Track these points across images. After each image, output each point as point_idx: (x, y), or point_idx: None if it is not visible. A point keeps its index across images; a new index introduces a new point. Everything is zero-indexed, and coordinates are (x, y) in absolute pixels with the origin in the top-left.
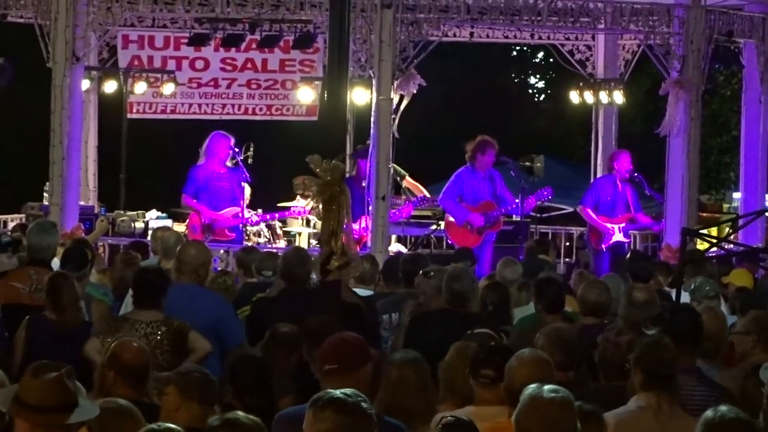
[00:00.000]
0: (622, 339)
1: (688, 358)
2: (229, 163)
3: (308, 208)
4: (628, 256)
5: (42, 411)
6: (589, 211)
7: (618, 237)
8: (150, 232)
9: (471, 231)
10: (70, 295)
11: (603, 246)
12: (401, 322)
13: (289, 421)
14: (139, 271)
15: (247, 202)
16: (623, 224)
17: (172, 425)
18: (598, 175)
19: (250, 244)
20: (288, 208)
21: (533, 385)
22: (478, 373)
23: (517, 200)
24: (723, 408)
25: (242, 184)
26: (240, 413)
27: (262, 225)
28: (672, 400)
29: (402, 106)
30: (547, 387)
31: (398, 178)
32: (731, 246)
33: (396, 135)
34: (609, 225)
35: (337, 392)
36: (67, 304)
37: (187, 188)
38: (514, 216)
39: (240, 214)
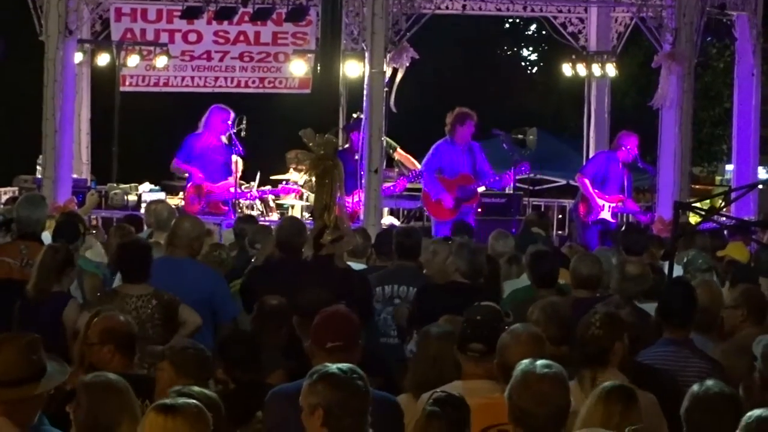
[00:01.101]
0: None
1: (682, 331)
2: (224, 139)
3: (301, 182)
4: (623, 229)
5: (7, 385)
6: (587, 181)
7: (605, 215)
8: (143, 205)
9: (447, 204)
10: (40, 265)
11: (590, 219)
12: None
13: (284, 398)
14: (122, 245)
15: (239, 174)
16: (614, 204)
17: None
18: (591, 147)
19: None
20: (281, 182)
21: (526, 361)
22: (466, 347)
23: (496, 176)
24: (709, 382)
25: (234, 158)
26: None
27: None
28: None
29: (397, 79)
30: (539, 362)
31: (390, 151)
32: (723, 219)
33: (393, 109)
34: (601, 201)
35: (333, 367)
36: (36, 274)
37: (180, 154)
38: (494, 189)
39: (235, 189)
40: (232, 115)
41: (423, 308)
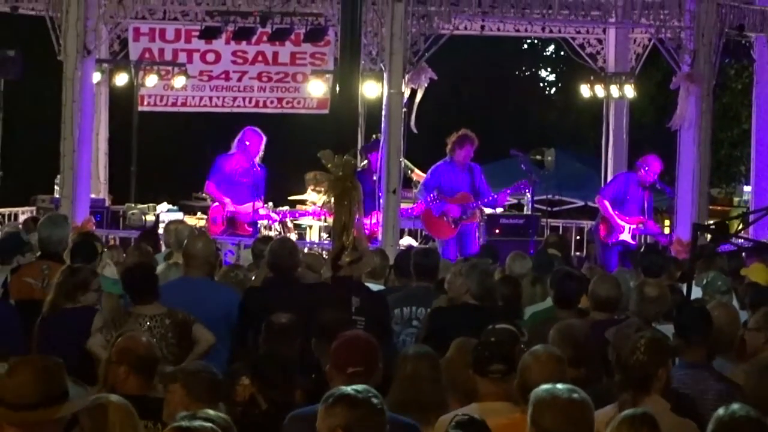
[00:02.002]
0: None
1: (699, 353)
2: (257, 160)
3: (320, 203)
4: (641, 250)
5: (22, 408)
6: (607, 203)
7: (626, 236)
8: (161, 225)
9: (447, 222)
10: (58, 285)
11: (610, 241)
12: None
13: (301, 421)
14: (126, 270)
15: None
16: (635, 225)
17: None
18: (609, 168)
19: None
20: (302, 202)
21: (548, 386)
22: (487, 369)
23: (492, 195)
24: (735, 406)
25: (264, 182)
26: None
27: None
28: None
29: (417, 100)
30: (564, 387)
31: (408, 171)
32: (741, 241)
33: (414, 129)
34: (621, 222)
35: (348, 389)
36: (53, 294)
37: (212, 176)
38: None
39: (260, 210)
40: (264, 139)
41: (434, 330)
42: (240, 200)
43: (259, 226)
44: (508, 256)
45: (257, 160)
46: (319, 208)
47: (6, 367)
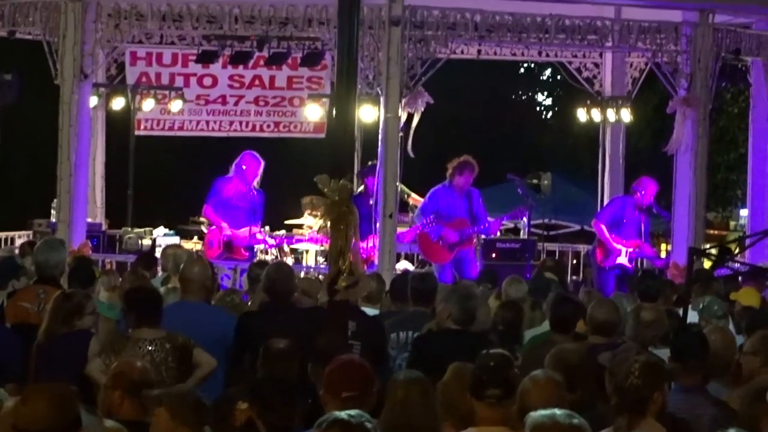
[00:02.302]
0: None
1: (694, 377)
2: (255, 184)
3: (316, 227)
4: (638, 274)
5: None
6: (603, 227)
7: (622, 260)
8: (158, 249)
9: (443, 246)
10: (52, 310)
11: (607, 265)
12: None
13: None
14: (133, 290)
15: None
16: (632, 249)
17: None
18: (606, 192)
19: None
20: (299, 227)
21: (546, 411)
22: (484, 393)
23: (488, 222)
24: (731, 431)
25: (263, 207)
26: None
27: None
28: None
29: (413, 124)
30: (562, 412)
31: (405, 196)
32: (737, 265)
33: (411, 154)
34: (618, 246)
35: (342, 413)
36: (47, 319)
37: (210, 199)
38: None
39: (256, 234)
40: (263, 164)
41: (419, 356)
42: (237, 224)
43: (255, 250)
44: (504, 280)
45: (255, 184)
46: (316, 234)
47: (25, 393)
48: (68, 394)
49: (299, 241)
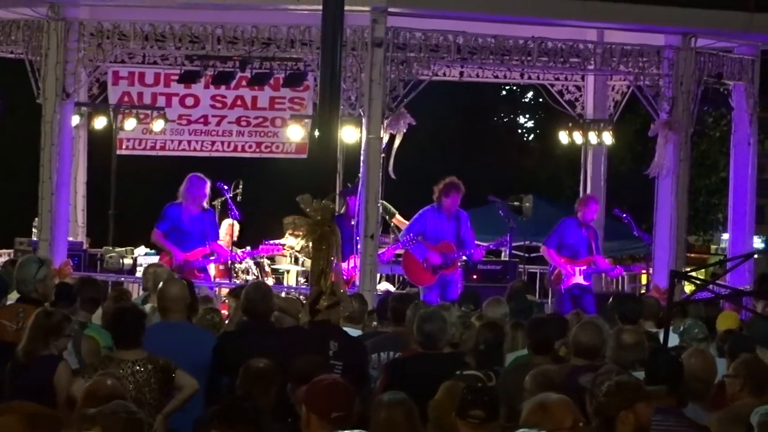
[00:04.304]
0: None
1: (668, 399)
2: (205, 205)
3: (298, 247)
4: (613, 297)
5: None
6: (552, 251)
7: (578, 279)
8: (139, 269)
9: (427, 269)
10: (31, 329)
11: (563, 287)
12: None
13: None
14: (117, 310)
15: (235, 239)
16: (584, 266)
17: None
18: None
19: (238, 282)
20: (264, 244)
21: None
22: (467, 414)
23: (474, 248)
24: None
25: (215, 225)
26: None
27: (251, 262)
28: None
29: (395, 145)
30: None
31: (387, 217)
32: (718, 288)
33: (392, 175)
34: (570, 266)
35: None
36: (26, 338)
37: (161, 225)
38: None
39: (210, 254)
40: (208, 183)
41: (392, 381)
42: (188, 248)
43: (237, 269)
44: (485, 302)
45: (205, 204)
46: (295, 252)
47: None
48: (43, 413)
49: (257, 253)
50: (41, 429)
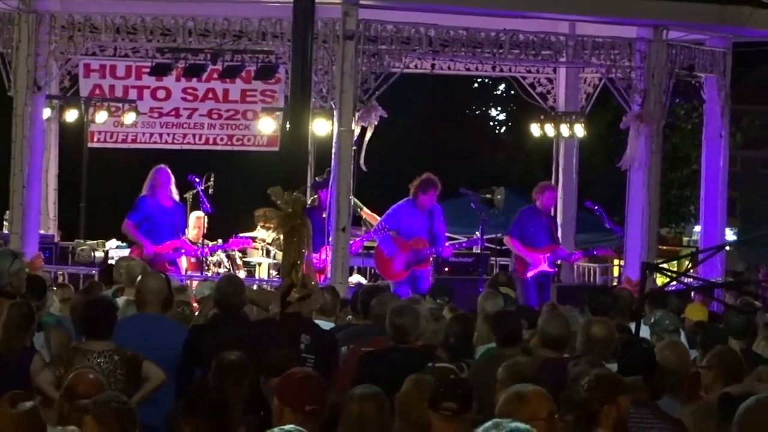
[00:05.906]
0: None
1: (642, 392)
2: (176, 197)
3: (269, 240)
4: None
5: None
6: (515, 241)
7: (543, 267)
8: (111, 261)
9: (397, 264)
10: (6, 324)
11: (528, 275)
12: None
13: None
14: (88, 302)
15: (203, 231)
16: (548, 254)
17: None
18: (559, 207)
19: (209, 274)
20: (252, 239)
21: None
22: (439, 405)
23: (445, 245)
24: None
25: (185, 217)
26: None
27: (222, 255)
28: None
29: (366, 138)
30: (515, 424)
31: (358, 210)
32: (690, 280)
33: (363, 168)
34: (533, 255)
35: (287, 427)
36: (2, 333)
37: (132, 216)
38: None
39: (181, 247)
40: (173, 178)
41: (364, 375)
42: (159, 240)
43: (208, 262)
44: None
45: (174, 197)
46: (266, 244)
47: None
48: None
49: (226, 247)
50: (34, 419)
